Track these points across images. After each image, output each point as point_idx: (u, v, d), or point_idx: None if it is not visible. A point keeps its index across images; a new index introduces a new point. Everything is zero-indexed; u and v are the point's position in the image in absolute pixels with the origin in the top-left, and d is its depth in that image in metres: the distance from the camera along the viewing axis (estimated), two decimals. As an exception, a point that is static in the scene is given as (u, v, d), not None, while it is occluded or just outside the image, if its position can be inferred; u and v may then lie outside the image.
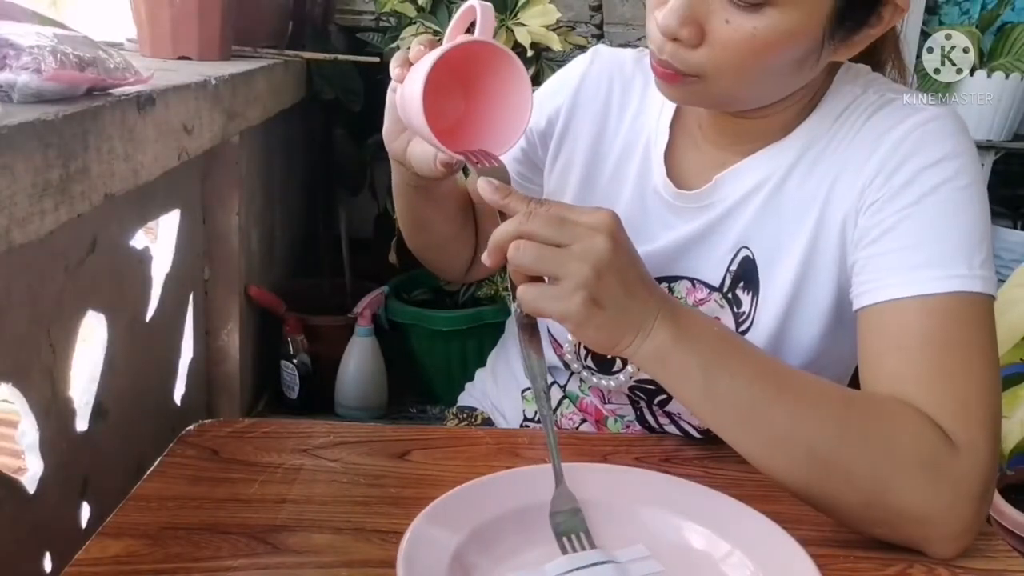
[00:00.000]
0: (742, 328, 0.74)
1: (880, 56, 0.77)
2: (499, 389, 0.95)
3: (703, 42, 0.63)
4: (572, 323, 0.56)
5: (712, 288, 0.76)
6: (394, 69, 0.67)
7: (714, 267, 0.76)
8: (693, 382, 0.59)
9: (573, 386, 0.85)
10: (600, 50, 0.85)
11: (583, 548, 0.55)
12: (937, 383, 0.61)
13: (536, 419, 0.89)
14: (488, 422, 0.94)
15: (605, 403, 0.84)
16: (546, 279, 0.57)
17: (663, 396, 0.78)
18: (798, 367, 0.74)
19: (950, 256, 0.64)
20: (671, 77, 0.66)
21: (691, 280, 0.77)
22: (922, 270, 0.63)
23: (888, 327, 0.64)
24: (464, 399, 1.00)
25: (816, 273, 0.71)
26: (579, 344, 0.79)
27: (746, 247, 0.74)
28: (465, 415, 0.96)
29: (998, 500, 1.24)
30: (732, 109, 0.72)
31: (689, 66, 0.64)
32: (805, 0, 0.61)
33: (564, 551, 0.55)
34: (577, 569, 0.53)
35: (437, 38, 0.66)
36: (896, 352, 0.63)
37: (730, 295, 0.75)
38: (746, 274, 0.74)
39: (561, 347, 0.81)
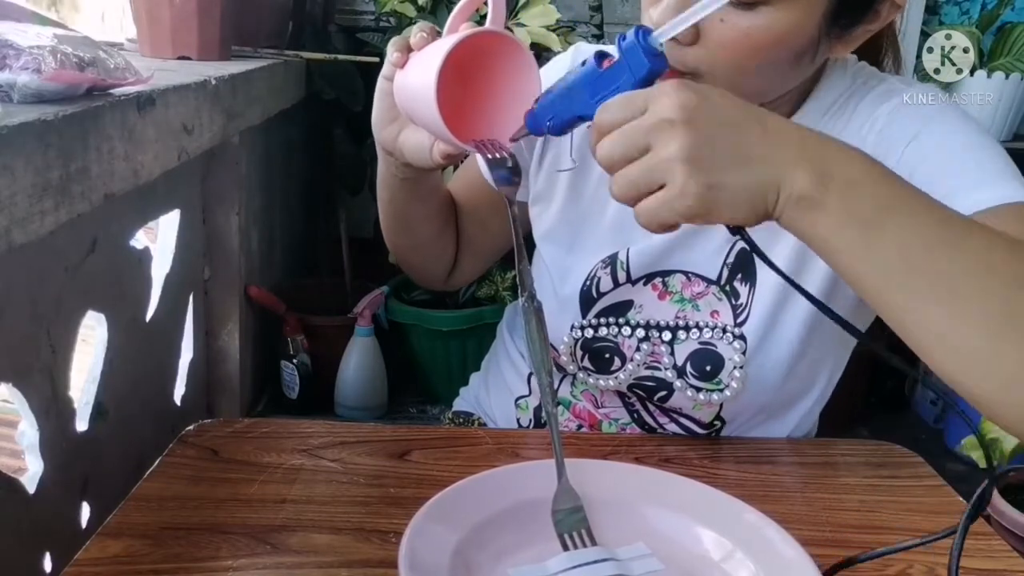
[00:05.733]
0: (739, 320, 0.74)
1: (878, 49, 0.77)
2: (491, 398, 0.94)
3: (698, 40, 0.63)
4: (700, 212, 0.50)
5: (709, 281, 0.76)
6: (392, 53, 0.65)
7: (709, 260, 0.75)
8: (850, 230, 0.50)
9: (565, 391, 0.85)
10: (581, 47, 0.84)
11: (584, 545, 0.55)
12: None
13: (529, 427, 0.89)
14: (484, 427, 0.94)
15: (598, 408, 0.84)
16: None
17: (663, 392, 0.78)
18: (788, 355, 0.74)
19: (989, 174, 0.63)
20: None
21: (686, 274, 0.76)
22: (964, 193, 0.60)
23: None
24: (459, 404, 1.00)
25: (809, 255, 0.70)
26: (575, 346, 0.79)
27: None
28: (461, 419, 0.96)
29: (998, 500, 1.24)
30: None
31: (684, 64, 0.63)
32: None
33: (565, 548, 0.55)
34: (578, 566, 0.53)
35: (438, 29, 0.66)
36: None
37: (728, 287, 0.75)
38: (744, 265, 0.74)
39: (556, 350, 0.80)
